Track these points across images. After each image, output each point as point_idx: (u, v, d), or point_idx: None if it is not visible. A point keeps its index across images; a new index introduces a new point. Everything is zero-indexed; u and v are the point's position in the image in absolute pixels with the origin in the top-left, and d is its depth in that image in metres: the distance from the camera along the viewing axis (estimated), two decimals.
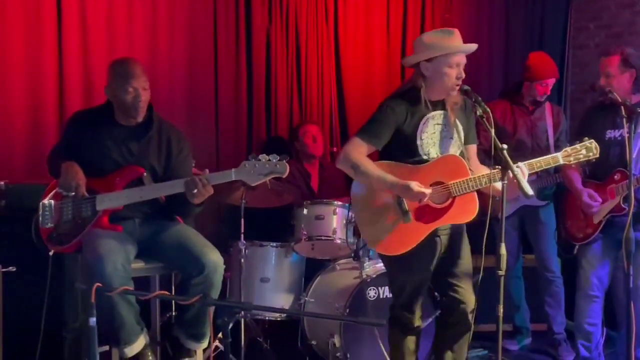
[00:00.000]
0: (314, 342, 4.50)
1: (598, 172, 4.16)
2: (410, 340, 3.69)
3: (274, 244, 4.66)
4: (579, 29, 6.60)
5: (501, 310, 3.15)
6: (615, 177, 4.05)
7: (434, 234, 3.51)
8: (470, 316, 3.59)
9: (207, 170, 3.52)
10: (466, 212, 3.45)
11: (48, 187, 3.77)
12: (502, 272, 3.12)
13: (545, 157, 3.44)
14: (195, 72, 5.21)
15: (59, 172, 3.61)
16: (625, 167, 3.92)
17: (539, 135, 4.86)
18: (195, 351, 3.82)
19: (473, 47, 3.48)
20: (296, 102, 5.68)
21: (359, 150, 3.48)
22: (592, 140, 3.45)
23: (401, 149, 3.50)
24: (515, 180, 3.17)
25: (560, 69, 6.24)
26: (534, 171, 3.45)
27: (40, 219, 3.70)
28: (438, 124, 3.51)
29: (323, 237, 4.55)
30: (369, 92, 5.92)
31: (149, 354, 3.66)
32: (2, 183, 4.06)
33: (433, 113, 3.49)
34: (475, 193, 3.43)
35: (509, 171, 3.17)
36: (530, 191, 3.11)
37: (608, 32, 6.37)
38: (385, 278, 4.23)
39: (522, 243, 5.10)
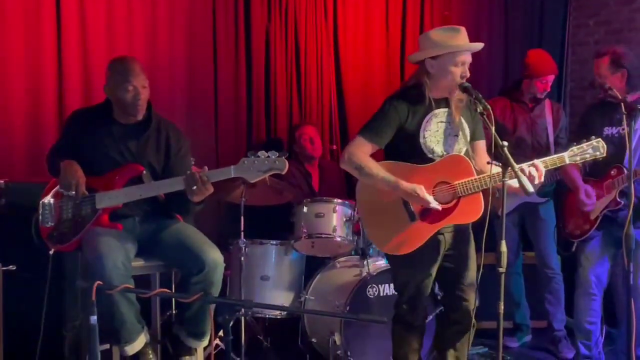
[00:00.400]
0: (314, 340, 4.51)
1: (594, 169, 4.17)
2: (414, 338, 3.70)
3: (274, 242, 4.65)
4: (578, 26, 6.60)
5: (502, 307, 3.14)
6: (612, 172, 4.05)
7: (438, 232, 3.52)
8: (472, 314, 3.59)
9: (206, 168, 3.51)
10: (471, 212, 3.45)
11: (48, 185, 3.78)
12: (502, 270, 3.12)
13: (551, 157, 3.43)
14: (195, 71, 5.20)
15: (59, 171, 3.61)
16: (622, 163, 3.94)
17: (539, 133, 4.86)
18: (196, 349, 3.82)
19: (479, 45, 3.48)
20: (296, 101, 5.67)
21: (362, 150, 3.48)
22: (600, 139, 3.43)
23: (405, 147, 3.50)
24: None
25: (559, 66, 6.25)
26: None
27: (41, 217, 3.71)
28: (442, 121, 3.50)
29: (323, 235, 4.54)
30: (368, 90, 5.92)
31: (150, 352, 3.67)
32: (2, 182, 4.05)
33: (436, 111, 3.49)
34: (481, 193, 3.42)
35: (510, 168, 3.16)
36: (531, 188, 3.11)
37: (607, 29, 6.37)
38: (385, 275, 4.25)
39: (522, 240, 5.10)
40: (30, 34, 4.48)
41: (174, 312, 4.36)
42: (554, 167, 3.44)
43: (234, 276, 4.57)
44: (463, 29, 3.47)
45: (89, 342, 2.71)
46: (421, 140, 3.48)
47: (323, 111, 5.79)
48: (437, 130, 3.50)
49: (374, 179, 3.46)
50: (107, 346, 3.68)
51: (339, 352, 4.22)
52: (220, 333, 4.30)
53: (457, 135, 3.53)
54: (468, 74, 3.44)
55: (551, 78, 4.88)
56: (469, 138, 3.57)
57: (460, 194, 3.42)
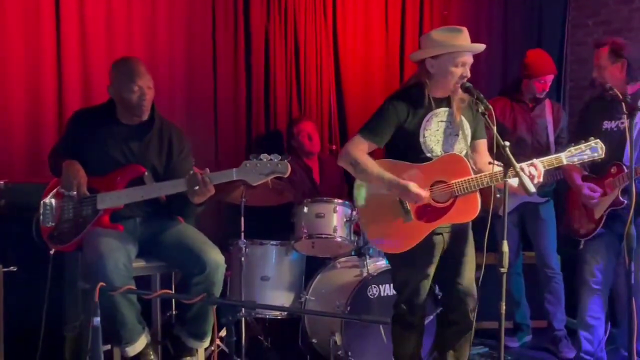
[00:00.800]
0: (314, 341, 4.50)
1: (595, 166, 4.15)
2: (413, 338, 3.70)
3: (274, 243, 4.65)
4: (577, 25, 6.61)
5: (503, 307, 3.14)
6: (612, 170, 4.05)
7: (437, 232, 3.52)
8: (471, 314, 3.59)
9: (207, 170, 3.51)
10: (467, 212, 3.45)
11: (48, 185, 3.77)
12: (504, 270, 3.11)
13: (548, 157, 3.42)
14: (194, 71, 5.19)
15: (60, 171, 3.61)
16: (621, 158, 3.94)
17: (539, 132, 4.86)
18: (197, 350, 3.82)
19: (481, 47, 3.48)
20: (295, 100, 5.66)
21: (359, 148, 3.49)
22: (598, 140, 3.41)
23: (405, 147, 3.50)
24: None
25: (558, 65, 6.24)
26: None
27: (41, 217, 3.70)
28: (442, 121, 3.50)
29: (323, 235, 4.53)
30: (367, 90, 5.91)
31: (151, 353, 3.67)
32: (2, 182, 4.04)
33: (437, 110, 3.49)
34: (478, 193, 3.42)
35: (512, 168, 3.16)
36: (532, 188, 3.10)
37: (606, 29, 6.37)
38: (386, 276, 4.24)
39: (522, 240, 5.10)
40: (30, 34, 4.47)
41: (174, 312, 4.36)
42: (551, 167, 3.43)
43: (235, 276, 4.56)
44: (465, 30, 3.46)
45: (92, 343, 2.70)
46: (421, 139, 3.48)
47: (322, 111, 5.79)
48: (438, 130, 3.50)
49: (368, 176, 3.47)
50: (108, 347, 3.68)
51: (339, 352, 4.22)
52: (221, 333, 4.30)
53: (457, 135, 3.53)
54: (468, 75, 3.43)
55: (550, 78, 4.88)
56: (469, 138, 3.57)
57: (457, 193, 3.41)
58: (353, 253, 4.69)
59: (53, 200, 3.70)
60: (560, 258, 5.01)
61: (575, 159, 3.42)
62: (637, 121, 3.87)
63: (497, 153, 3.17)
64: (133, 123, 3.73)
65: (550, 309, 4.98)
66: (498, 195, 3.31)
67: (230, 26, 5.32)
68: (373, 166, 3.46)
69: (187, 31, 5.14)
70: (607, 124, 4.09)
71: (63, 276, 3.93)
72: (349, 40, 5.88)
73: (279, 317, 4.69)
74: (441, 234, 3.55)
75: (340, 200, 4.60)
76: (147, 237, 3.74)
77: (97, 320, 2.64)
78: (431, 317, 4.09)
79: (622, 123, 3.97)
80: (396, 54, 6.06)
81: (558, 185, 4.87)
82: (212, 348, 4.10)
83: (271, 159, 3.43)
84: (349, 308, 4.22)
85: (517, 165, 3.14)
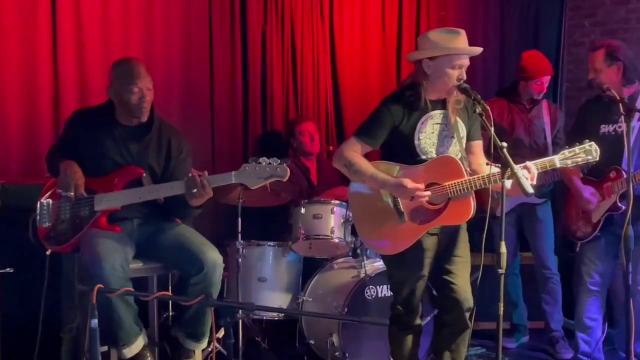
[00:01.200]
0: (312, 342, 4.50)
1: (593, 169, 4.16)
2: (410, 339, 3.69)
3: (272, 244, 4.65)
4: (574, 26, 6.61)
5: (501, 308, 3.13)
6: (611, 175, 4.05)
7: (432, 232, 3.52)
8: (468, 315, 3.58)
9: (206, 173, 3.50)
10: (460, 214, 3.44)
11: (45, 186, 3.76)
12: (502, 271, 3.11)
13: (542, 159, 3.39)
14: (191, 71, 5.18)
15: (58, 171, 3.60)
16: (619, 162, 3.94)
17: (537, 133, 4.87)
18: (194, 351, 3.81)
19: (477, 50, 3.47)
20: (292, 101, 5.66)
21: (353, 150, 3.50)
22: (592, 142, 3.39)
23: (400, 149, 3.50)
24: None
25: (555, 66, 6.27)
26: None
27: (38, 218, 3.69)
28: (437, 123, 3.50)
29: (321, 236, 4.54)
30: (364, 90, 5.92)
31: (148, 354, 3.66)
32: None
33: (432, 112, 3.49)
34: (471, 196, 3.41)
35: (509, 169, 3.16)
36: (530, 189, 3.09)
37: (603, 30, 6.38)
38: (383, 277, 4.24)
39: (520, 240, 5.10)
40: (26, 34, 4.45)
41: (171, 314, 4.35)
42: (545, 169, 3.41)
43: (232, 277, 4.55)
44: (463, 32, 3.45)
45: (90, 345, 2.70)
46: (416, 142, 3.47)
47: (319, 112, 5.78)
48: (433, 132, 3.49)
49: (362, 176, 3.47)
50: (105, 348, 3.66)
51: (337, 353, 4.22)
52: (218, 335, 4.29)
53: (453, 137, 3.52)
54: (465, 77, 3.42)
55: (547, 79, 4.88)
56: (465, 139, 3.57)
57: (451, 196, 3.41)
58: (350, 254, 4.69)
59: (50, 201, 3.69)
60: (557, 259, 5.01)
61: (569, 162, 3.39)
62: (634, 125, 3.88)
63: (495, 154, 3.17)
64: (132, 124, 3.72)
65: (548, 310, 4.99)
66: (496, 196, 3.30)
67: (226, 27, 5.31)
68: (367, 167, 3.46)
69: (184, 32, 5.13)
70: (605, 128, 4.10)
71: (60, 277, 3.92)
72: (346, 41, 5.88)
73: (276, 319, 4.68)
74: (436, 234, 3.55)
75: (337, 202, 4.59)
76: (145, 238, 3.73)
77: (94, 322, 2.63)
78: (429, 318, 4.09)
79: (620, 127, 3.97)
80: (393, 54, 6.06)
81: (556, 186, 4.87)
82: (210, 349, 4.09)
83: (270, 163, 3.42)
84: (346, 309, 4.22)
85: (515, 167, 3.14)
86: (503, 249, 3.10)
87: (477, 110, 3.27)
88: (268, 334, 4.72)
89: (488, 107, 3.27)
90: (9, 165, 4.42)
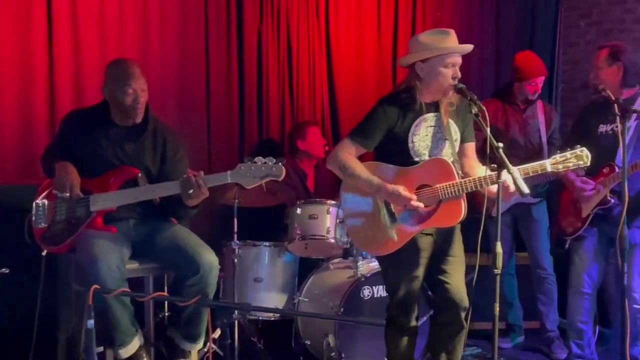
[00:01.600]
0: (308, 342, 4.50)
1: (590, 166, 4.17)
2: (406, 340, 3.68)
3: (268, 244, 4.65)
4: (570, 26, 6.61)
5: (497, 309, 3.14)
6: (605, 170, 4.06)
7: (426, 232, 3.52)
8: (463, 315, 3.58)
9: (201, 172, 3.50)
10: (452, 216, 3.44)
11: (41, 186, 3.75)
12: (498, 271, 3.12)
13: (532, 164, 3.38)
14: (187, 72, 5.18)
15: (53, 172, 3.60)
16: (614, 159, 3.96)
17: (532, 134, 4.87)
18: (190, 352, 3.80)
19: (468, 47, 3.47)
20: (288, 101, 5.66)
21: (349, 152, 3.50)
22: (584, 148, 3.38)
23: (394, 151, 3.50)
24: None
25: (551, 67, 6.28)
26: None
27: (34, 218, 3.68)
28: (431, 126, 3.50)
29: (317, 237, 4.53)
30: (360, 91, 5.92)
31: (144, 355, 3.66)
32: None
33: (426, 115, 3.49)
34: (463, 198, 3.41)
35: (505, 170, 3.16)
36: (526, 190, 3.10)
37: (598, 30, 6.38)
38: (379, 277, 4.23)
39: (515, 241, 5.11)
40: (21, 34, 4.45)
41: (166, 314, 4.35)
42: (536, 174, 3.40)
43: (228, 278, 4.55)
44: (452, 32, 3.46)
45: (87, 346, 2.69)
46: (410, 145, 3.48)
47: (315, 112, 5.79)
48: (427, 135, 3.49)
49: (356, 180, 3.47)
50: (101, 349, 3.66)
51: (333, 353, 4.22)
52: (214, 335, 4.29)
53: (447, 140, 3.53)
54: (459, 75, 3.43)
55: (541, 79, 4.89)
56: (458, 142, 3.58)
57: (442, 198, 3.41)
58: (342, 256, 4.69)
59: (45, 201, 3.68)
60: (552, 259, 5.02)
61: (560, 166, 3.39)
62: (630, 124, 3.90)
63: (490, 154, 3.17)
64: (127, 124, 3.72)
65: (543, 310, 4.99)
66: (492, 198, 3.30)
67: (222, 27, 5.31)
68: (361, 170, 3.47)
69: (180, 32, 5.13)
70: (603, 128, 4.12)
71: (56, 278, 3.91)
72: (342, 41, 5.88)
73: (272, 319, 4.68)
74: (431, 234, 3.55)
75: (333, 202, 4.59)
76: (141, 238, 3.72)
77: (91, 323, 2.63)
78: (424, 318, 4.09)
79: (617, 127, 3.99)
80: (389, 54, 6.06)
81: (551, 186, 4.88)
82: (206, 350, 4.09)
83: (266, 162, 3.43)
84: (342, 309, 4.22)
85: (511, 167, 3.14)
86: (499, 249, 3.11)
87: (473, 111, 3.28)
88: (264, 334, 4.71)
89: (484, 108, 3.27)
90: (4, 165, 4.42)
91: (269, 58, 5.53)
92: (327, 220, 4.54)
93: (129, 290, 3.31)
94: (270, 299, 4.59)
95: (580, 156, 3.39)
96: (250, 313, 4.48)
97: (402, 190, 3.36)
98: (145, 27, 4.96)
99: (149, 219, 3.77)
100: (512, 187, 3.20)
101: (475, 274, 3.44)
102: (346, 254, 4.64)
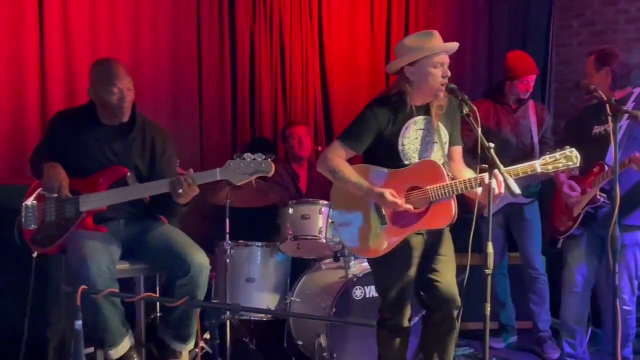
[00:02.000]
0: (300, 342, 4.49)
1: (584, 166, 4.18)
2: (399, 341, 3.67)
3: (260, 244, 4.64)
4: (562, 27, 6.62)
5: (488, 308, 3.14)
6: (595, 169, 4.08)
7: (417, 233, 3.52)
8: (455, 314, 3.58)
9: (191, 170, 3.50)
10: (442, 217, 3.44)
11: (30, 188, 3.74)
12: (489, 271, 3.12)
13: (522, 165, 3.38)
14: (179, 72, 5.18)
15: (42, 173, 3.58)
16: (604, 158, 3.97)
17: (523, 134, 4.87)
18: (181, 352, 3.80)
19: (454, 45, 3.48)
20: (280, 101, 5.66)
21: (338, 154, 3.50)
22: (573, 149, 3.38)
23: (383, 154, 3.51)
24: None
25: (543, 67, 6.29)
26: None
27: (23, 220, 3.67)
28: (421, 129, 3.50)
29: (309, 237, 4.53)
30: (353, 91, 5.92)
31: (134, 355, 3.66)
32: None
33: (416, 118, 3.49)
34: (453, 199, 3.41)
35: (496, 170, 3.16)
36: (517, 190, 3.09)
37: (591, 30, 6.40)
38: (371, 277, 4.22)
39: (507, 241, 5.11)
40: (12, 35, 4.44)
41: (158, 314, 4.34)
42: (525, 175, 3.40)
43: (219, 278, 4.55)
44: (436, 32, 3.47)
45: (75, 347, 2.68)
46: (399, 147, 3.47)
47: (308, 112, 5.78)
48: (416, 138, 3.49)
49: (346, 183, 3.48)
50: (92, 349, 3.65)
51: (324, 354, 4.21)
52: (205, 335, 4.28)
53: (436, 143, 3.53)
54: (449, 74, 3.43)
55: (532, 78, 4.88)
56: (447, 145, 3.57)
57: (432, 199, 3.41)
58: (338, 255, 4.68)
59: (35, 203, 3.67)
60: (544, 259, 5.02)
61: (550, 167, 3.39)
62: (622, 124, 3.91)
63: (482, 154, 3.17)
64: (114, 124, 3.71)
65: (535, 310, 4.99)
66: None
67: (215, 27, 5.31)
68: (351, 174, 3.47)
69: (172, 32, 5.13)
70: (597, 128, 4.14)
71: (46, 279, 3.90)
72: (335, 41, 5.87)
73: (264, 319, 4.68)
74: (421, 234, 3.55)
75: (325, 202, 4.58)
76: (131, 238, 3.72)
77: (79, 323, 2.62)
78: (416, 318, 4.08)
79: (609, 127, 3.99)
80: (382, 54, 6.06)
81: (543, 186, 4.88)
82: (197, 350, 4.07)
83: (254, 158, 3.42)
84: (334, 310, 4.21)
85: (502, 167, 3.14)
86: (490, 249, 3.11)
87: (464, 111, 3.27)
88: (256, 334, 4.71)
89: (475, 108, 3.27)
90: None
91: (261, 57, 5.52)
92: (319, 221, 4.54)
93: (118, 291, 3.30)
94: (263, 299, 4.58)
95: (570, 157, 3.38)
96: (242, 313, 4.47)
97: (388, 195, 3.37)
98: (137, 27, 4.95)
99: (139, 218, 3.76)
100: (497, 190, 3.19)
101: (467, 274, 3.44)
102: (336, 257, 4.61)
